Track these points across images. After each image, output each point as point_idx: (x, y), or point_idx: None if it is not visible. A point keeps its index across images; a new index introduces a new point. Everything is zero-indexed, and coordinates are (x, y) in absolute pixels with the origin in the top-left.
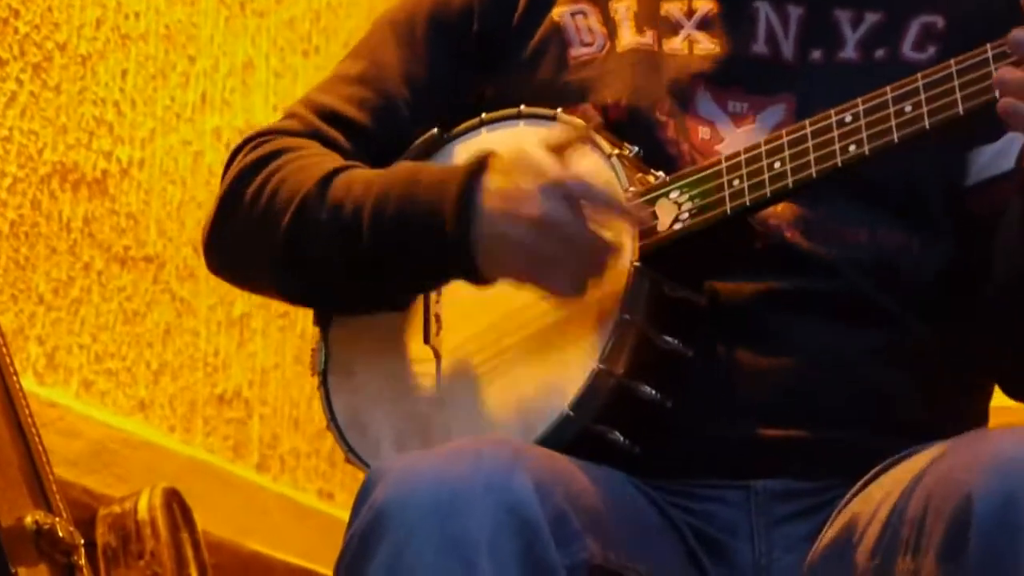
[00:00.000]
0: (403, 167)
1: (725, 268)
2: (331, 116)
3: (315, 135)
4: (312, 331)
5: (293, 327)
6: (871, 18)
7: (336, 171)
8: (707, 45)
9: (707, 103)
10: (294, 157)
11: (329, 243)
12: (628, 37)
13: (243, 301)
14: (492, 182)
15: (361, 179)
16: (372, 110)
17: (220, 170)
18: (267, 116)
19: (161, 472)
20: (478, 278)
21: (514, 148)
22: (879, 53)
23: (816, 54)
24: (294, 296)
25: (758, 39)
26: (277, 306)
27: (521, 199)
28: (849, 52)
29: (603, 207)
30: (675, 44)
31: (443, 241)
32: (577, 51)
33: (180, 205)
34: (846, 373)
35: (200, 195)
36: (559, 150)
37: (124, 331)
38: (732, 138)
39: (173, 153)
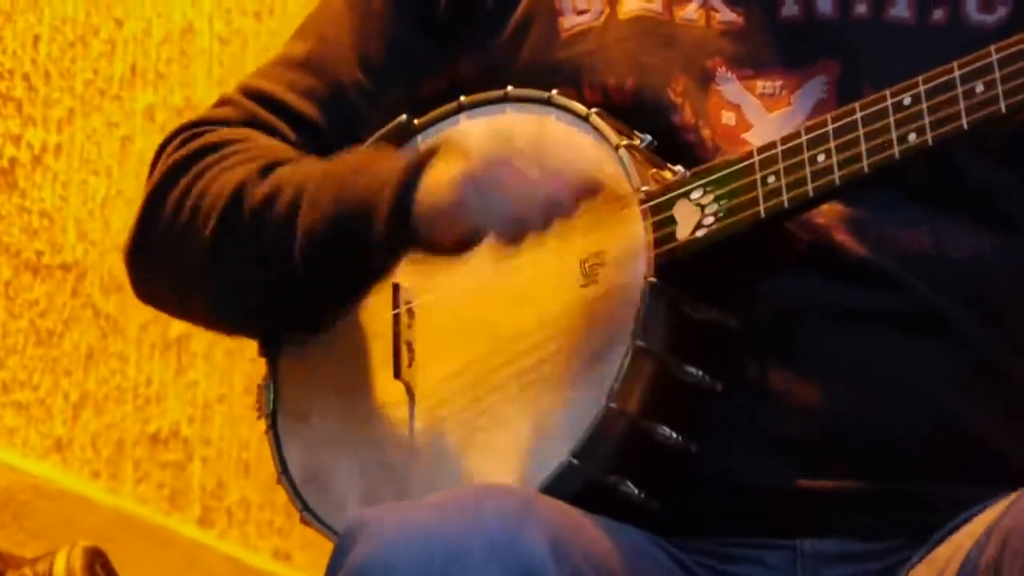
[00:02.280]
0: (351, 155)
1: (758, 283)
2: (273, 105)
3: (253, 123)
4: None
5: (242, 351)
6: None
7: (276, 162)
8: (727, 15)
9: (731, 84)
10: (226, 153)
11: (261, 241)
12: (632, 2)
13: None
14: (437, 171)
15: (301, 170)
16: (318, 99)
17: (152, 158)
18: (210, 92)
19: (82, 527)
20: (414, 235)
21: (497, 142)
22: (937, 13)
23: (861, 8)
24: (224, 311)
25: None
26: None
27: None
28: (901, 9)
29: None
30: (689, 12)
31: (372, 247)
32: (570, 20)
33: (104, 201)
34: (912, 405)
35: (129, 189)
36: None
37: (36, 355)
38: (763, 124)
39: (96, 137)
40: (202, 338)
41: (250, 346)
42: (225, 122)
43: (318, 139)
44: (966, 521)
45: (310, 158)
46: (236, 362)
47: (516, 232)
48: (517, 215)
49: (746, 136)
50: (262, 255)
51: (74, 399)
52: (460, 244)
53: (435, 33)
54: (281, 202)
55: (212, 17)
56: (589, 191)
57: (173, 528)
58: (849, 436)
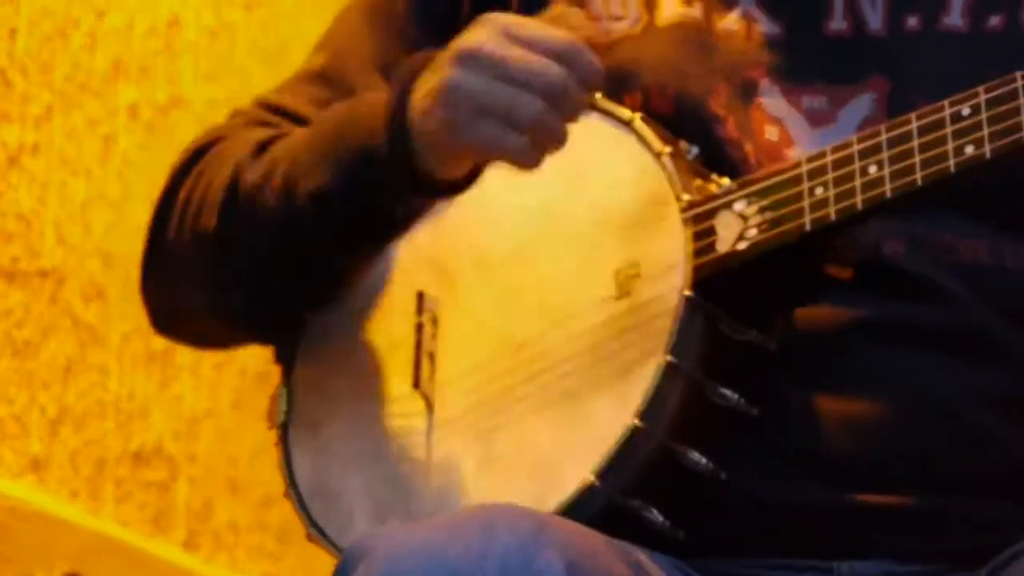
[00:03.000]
0: (325, 120)
1: (801, 301)
2: (288, 116)
3: (264, 125)
4: (260, 369)
5: (230, 363)
6: None
7: (265, 142)
8: (770, 27)
9: (774, 98)
10: (225, 146)
11: (261, 232)
12: (671, 8)
13: None
14: (418, 94)
15: (294, 139)
16: None
17: (136, 158)
18: (197, 88)
19: (60, 551)
20: (421, 176)
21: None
22: (993, 20)
23: (912, 21)
24: (244, 305)
25: (835, 12)
26: None
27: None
28: (955, 18)
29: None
30: (729, 22)
31: (380, 169)
32: (605, 27)
33: (85, 204)
34: (963, 423)
35: (111, 190)
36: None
37: (12, 367)
38: (807, 140)
39: (76, 136)
40: (187, 350)
41: (238, 357)
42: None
43: None
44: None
45: (299, 128)
46: (224, 375)
47: (519, 134)
48: (510, 109)
49: (789, 152)
50: (265, 236)
51: (52, 414)
52: (466, 176)
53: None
54: (274, 181)
55: (199, 9)
56: (573, 55)
57: (156, 552)
58: (891, 454)
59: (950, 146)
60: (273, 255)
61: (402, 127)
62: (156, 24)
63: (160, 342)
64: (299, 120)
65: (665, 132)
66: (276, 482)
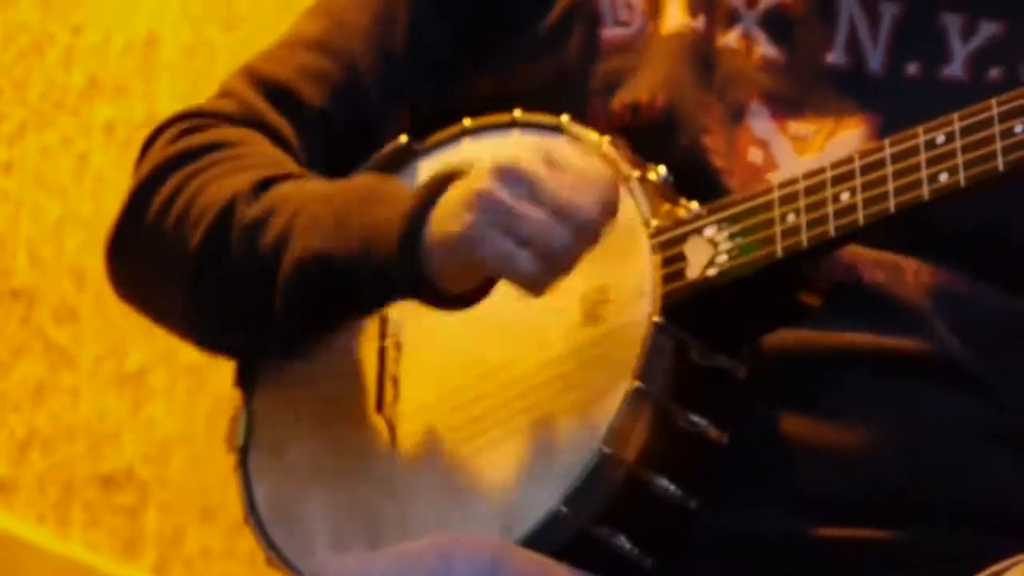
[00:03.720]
0: (347, 187)
1: (771, 328)
2: (279, 94)
3: (257, 124)
4: (230, 393)
5: (205, 385)
6: (988, 28)
7: (273, 178)
8: (769, 50)
9: (763, 120)
10: (223, 157)
11: (244, 271)
12: (676, 17)
13: (140, 351)
14: (447, 200)
15: (300, 192)
16: (331, 86)
17: (111, 176)
18: (175, 106)
19: None
20: (432, 293)
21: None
22: (993, 73)
23: (912, 68)
24: (199, 326)
25: (836, 45)
26: (184, 358)
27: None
28: (956, 69)
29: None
30: (730, 39)
31: (382, 274)
32: (611, 31)
33: (58, 223)
34: (939, 454)
35: (85, 210)
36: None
37: None
38: (790, 166)
39: (50, 154)
40: (161, 372)
41: (212, 381)
42: (225, 117)
43: (325, 131)
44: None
45: (310, 178)
46: (198, 398)
47: (541, 261)
48: (541, 237)
49: (771, 176)
50: (244, 279)
51: (20, 436)
52: (471, 291)
53: (462, 27)
54: (273, 226)
55: (177, 26)
56: (610, 204)
57: None
58: (865, 486)
59: (924, 173)
60: (245, 297)
61: (418, 226)
62: (133, 41)
63: (133, 364)
64: (294, 104)
65: (635, 156)
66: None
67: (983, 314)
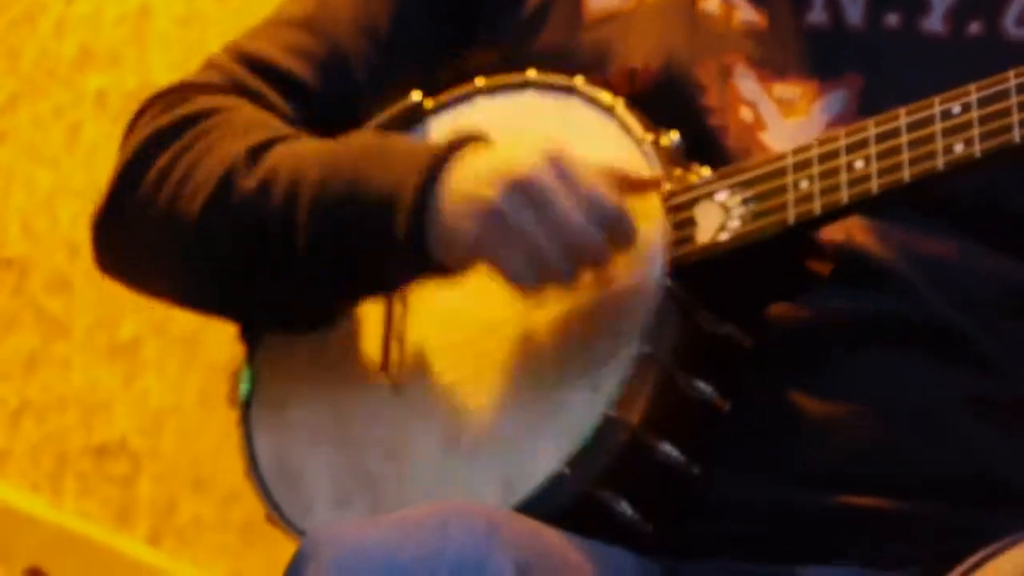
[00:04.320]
0: (356, 141)
1: (780, 296)
2: (263, 69)
3: (242, 91)
4: (229, 362)
5: (198, 356)
6: None
7: (268, 142)
8: (749, 14)
9: (749, 82)
10: (216, 124)
11: (252, 232)
12: None
13: (133, 321)
14: (463, 169)
15: (299, 154)
16: (317, 64)
17: (104, 147)
18: (168, 77)
19: (20, 546)
20: (429, 263)
21: (517, 131)
22: (973, 27)
23: (892, 20)
24: (204, 302)
25: (814, 5)
26: (176, 329)
27: (504, 161)
28: (935, 23)
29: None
30: (711, 5)
31: (391, 245)
32: (597, 4)
33: (51, 193)
34: (937, 425)
35: (77, 180)
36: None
37: None
38: (778, 128)
39: (42, 124)
40: (153, 343)
41: (205, 352)
42: (209, 88)
43: (311, 105)
44: (996, 554)
45: (305, 138)
46: (190, 369)
47: (530, 283)
48: (538, 258)
49: (762, 136)
50: (253, 247)
51: (13, 407)
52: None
53: (445, 12)
54: (276, 192)
55: None
56: (624, 232)
57: (119, 548)
58: (869, 456)
59: (939, 144)
60: (247, 271)
61: (425, 211)
62: (126, 11)
63: (127, 333)
64: (279, 77)
65: (647, 119)
66: (240, 479)
67: (978, 283)
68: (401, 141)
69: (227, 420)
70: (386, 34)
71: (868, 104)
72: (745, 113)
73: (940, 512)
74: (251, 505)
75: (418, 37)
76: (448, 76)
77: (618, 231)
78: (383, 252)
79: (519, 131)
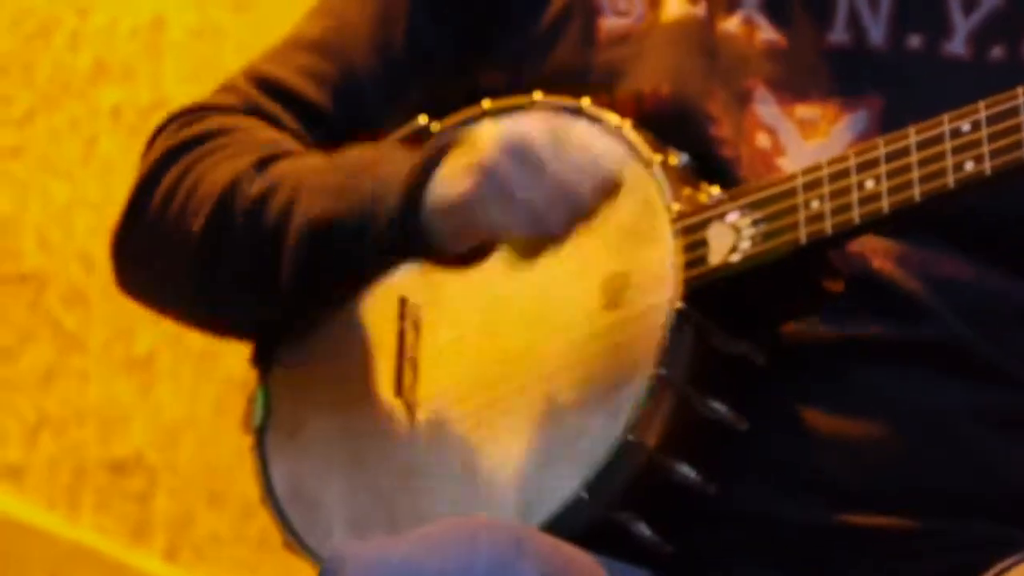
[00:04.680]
0: (347, 155)
1: (794, 314)
2: (278, 92)
3: (258, 114)
4: (243, 375)
5: (213, 370)
6: (990, 2)
7: (275, 156)
8: (770, 33)
9: (768, 106)
10: (227, 142)
11: (253, 236)
12: (675, 5)
13: (148, 335)
14: (457, 155)
15: (302, 165)
16: (331, 87)
17: (119, 160)
18: (182, 90)
19: (37, 561)
20: (421, 235)
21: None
22: (995, 51)
23: (915, 41)
24: (206, 315)
25: (836, 24)
26: (192, 343)
27: (500, 129)
28: (957, 45)
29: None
30: (731, 25)
31: (385, 214)
32: (610, 22)
33: (67, 207)
34: (954, 443)
35: (93, 193)
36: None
37: None
38: (798, 152)
39: (58, 138)
40: (169, 356)
41: (220, 366)
42: (225, 109)
43: (325, 129)
44: (1010, 569)
45: (312, 152)
46: (206, 382)
47: (535, 234)
48: (537, 213)
49: (779, 161)
50: (253, 253)
51: (30, 421)
52: (471, 251)
53: (459, 29)
54: (276, 199)
55: (184, 8)
56: (609, 188)
57: (136, 563)
58: (881, 474)
59: (949, 162)
60: (253, 272)
61: (421, 186)
62: (140, 24)
63: (142, 347)
64: (294, 100)
65: (655, 139)
66: (257, 492)
67: (992, 299)
68: (398, 148)
69: (243, 433)
70: (400, 53)
71: (890, 125)
72: (762, 140)
73: (956, 526)
74: (267, 520)
75: (431, 51)
76: (456, 98)
77: (606, 188)
78: (378, 223)
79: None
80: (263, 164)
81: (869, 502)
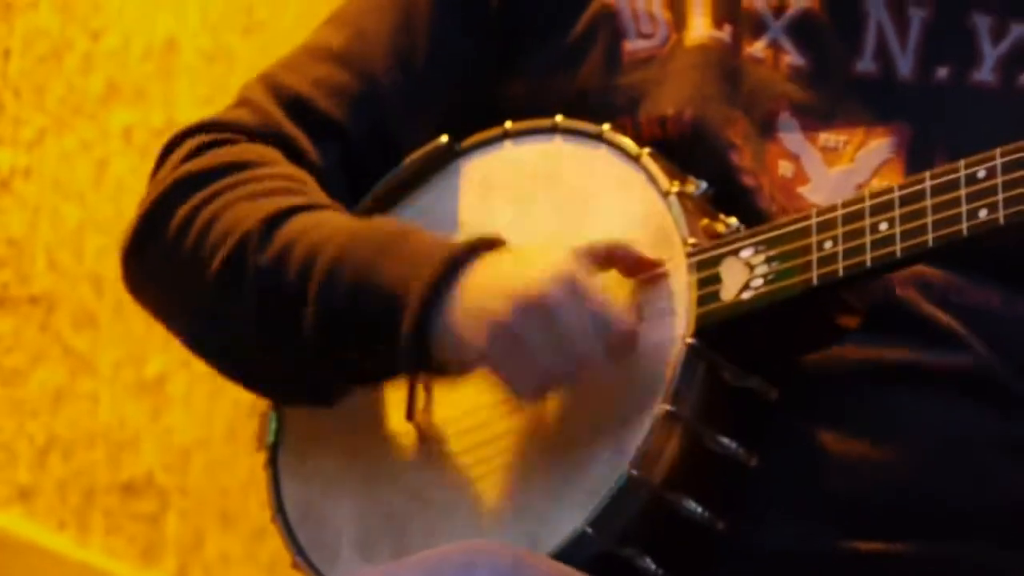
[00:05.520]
0: (376, 226)
1: (807, 350)
2: (297, 107)
3: (274, 138)
4: (254, 398)
5: (224, 392)
6: (1018, 30)
7: (289, 210)
8: (796, 58)
9: (792, 133)
10: (239, 180)
11: (264, 302)
12: (700, 29)
13: (159, 357)
14: (475, 277)
15: (317, 229)
16: (351, 102)
17: (130, 183)
18: (194, 113)
19: None
20: (429, 361)
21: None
22: (1023, 78)
23: (942, 73)
24: (210, 355)
25: (865, 52)
26: (202, 365)
27: (517, 277)
28: (986, 73)
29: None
30: (757, 49)
31: (394, 338)
32: (633, 44)
33: (77, 229)
34: (972, 470)
35: (104, 215)
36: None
37: (0, 395)
38: (821, 179)
39: (69, 159)
40: (180, 379)
41: (231, 387)
42: (243, 130)
43: (343, 146)
44: None
45: (329, 211)
46: (217, 404)
47: (534, 395)
48: (548, 376)
49: (802, 190)
50: (263, 318)
51: (40, 443)
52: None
53: (484, 38)
54: (289, 268)
55: (197, 31)
56: (625, 347)
57: None
58: (904, 499)
59: (963, 209)
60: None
61: (432, 313)
62: (152, 46)
63: (152, 371)
64: (313, 119)
65: (673, 167)
66: (267, 514)
67: (1016, 328)
68: (421, 235)
69: (254, 455)
70: (422, 63)
71: (916, 153)
72: (784, 168)
73: (977, 555)
74: (278, 541)
75: (453, 64)
76: (478, 116)
77: (621, 348)
78: (385, 344)
79: (549, 177)
80: (279, 219)
81: (885, 529)
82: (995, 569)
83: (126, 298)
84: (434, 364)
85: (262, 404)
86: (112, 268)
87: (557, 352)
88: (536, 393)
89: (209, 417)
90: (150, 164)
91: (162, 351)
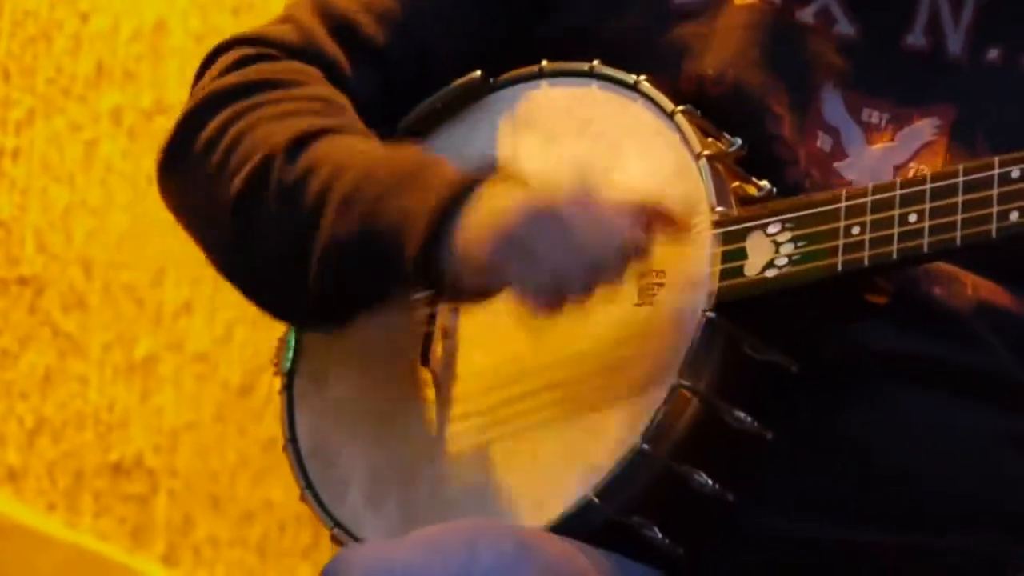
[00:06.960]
0: (397, 155)
1: (832, 327)
2: (343, 30)
3: (315, 58)
4: (242, 380)
5: (214, 373)
6: None
7: (316, 132)
8: (846, 27)
9: (835, 105)
10: (278, 97)
11: (283, 222)
12: None
13: (149, 339)
14: (486, 199)
15: (341, 154)
16: (396, 29)
17: (119, 164)
18: (184, 94)
19: (36, 565)
20: (440, 279)
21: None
22: None
23: (993, 54)
24: (233, 274)
25: (915, 26)
26: (192, 347)
27: (528, 194)
28: None
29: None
30: (807, 14)
31: (403, 257)
32: None
33: (66, 211)
34: (983, 465)
35: (93, 197)
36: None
37: None
38: (860, 156)
39: (58, 141)
40: (169, 361)
41: (220, 369)
42: (284, 47)
43: (383, 72)
44: None
45: (356, 137)
46: (206, 387)
47: (556, 297)
48: (559, 278)
49: (838, 166)
50: (280, 237)
51: (29, 425)
52: (484, 298)
53: None
54: (310, 191)
55: (186, 13)
56: (637, 252)
57: (136, 566)
58: (913, 492)
59: (994, 209)
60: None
61: (445, 231)
62: (141, 28)
63: (142, 351)
64: (356, 43)
65: (708, 124)
66: (257, 497)
67: None
68: (440, 168)
69: (243, 437)
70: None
71: (959, 136)
72: (823, 141)
73: (985, 548)
74: (268, 523)
75: (497, 4)
76: (515, 56)
77: (633, 254)
78: (396, 263)
79: (581, 121)
80: (303, 142)
81: (891, 520)
82: (1002, 562)
83: (115, 280)
84: (447, 288)
85: (250, 387)
86: (101, 250)
87: (568, 255)
88: (551, 302)
89: (198, 399)
90: (139, 146)
91: (151, 333)
